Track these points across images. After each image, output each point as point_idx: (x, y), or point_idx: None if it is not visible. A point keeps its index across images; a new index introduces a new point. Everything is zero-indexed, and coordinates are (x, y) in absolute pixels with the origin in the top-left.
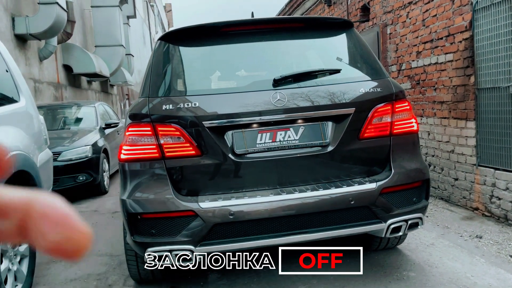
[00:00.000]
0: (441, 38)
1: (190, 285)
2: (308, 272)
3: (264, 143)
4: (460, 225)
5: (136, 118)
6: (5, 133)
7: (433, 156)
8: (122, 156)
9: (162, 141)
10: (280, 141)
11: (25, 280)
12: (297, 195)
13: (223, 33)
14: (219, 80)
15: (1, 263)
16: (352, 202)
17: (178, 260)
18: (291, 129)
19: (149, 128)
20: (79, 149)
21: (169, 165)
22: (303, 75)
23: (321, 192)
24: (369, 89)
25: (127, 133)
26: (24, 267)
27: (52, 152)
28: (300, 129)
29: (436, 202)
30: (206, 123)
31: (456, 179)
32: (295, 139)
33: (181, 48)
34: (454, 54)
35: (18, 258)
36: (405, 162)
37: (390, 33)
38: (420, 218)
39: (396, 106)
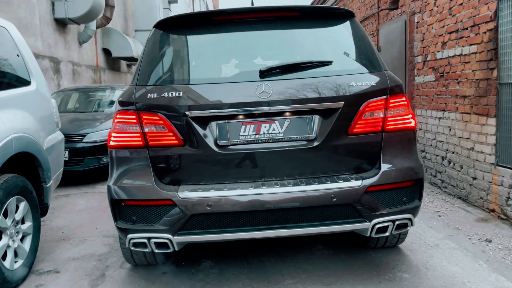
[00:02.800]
0: (466, 28)
1: (182, 271)
2: (300, 265)
3: (248, 135)
4: (472, 227)
5: (123, 105)
6: (9, 116)
7: (453, 152)
8: (111, 143)
9: (146, 130)
10: (264, 133)
11: (27, 256)
12: (277, 189)
13: (215, 21)
14: (207, 70)
15: (0, 240)
16: (334, 199)
17: (157, 248)
18: (276, 122)
19: (134, 116)
20: (104, 131)
21: (152, 154)
22: (291, 66)
23: (303, 188)
24: (361, 83)
25: (115, 120)
26: (27, 245)
27: (79, 134)
28: (286, 122)
29: (453, 201)
30: (189, 113)
31: (475, 178)
32: (279, 132)
33: (172, 36)
34: (478, 46)
35: (20, 236)
36: (397, 160)
37: (417, 22)
38: (410, 219)
39: (391, 101)
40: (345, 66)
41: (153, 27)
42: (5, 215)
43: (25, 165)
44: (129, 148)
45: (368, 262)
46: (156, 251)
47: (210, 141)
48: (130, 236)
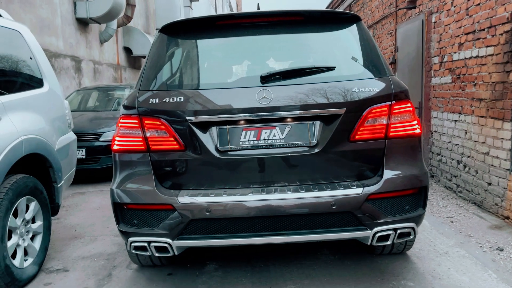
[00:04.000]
0: (483, 30)
1: (186, 273)
2: (304, 270)
3: (248, 140)
4: (484, 234)
5: (126, 110)
6: (21, 118)
7: (468, 157)
8: (114, 147)
9: (148, 134)
10: (264, 139)
11: (37, 255)
12: (276, 195)
13: (219, 26)
14: (209, 75)
15: (10, 239)
16: (334, 207)
17: (157, 251)
18: (276, 127)
19: (136, 121)
20: None
21: (154, 158)
22: (292, 72)
23: (302, 195)
24: (364, 89)
25: (119, 124)
26: (37, 244)
27: (96, 132)
28: (287, 128)
29: (468, 206)
30: (190, 118)
31: (490, 184)
32: (280, 138)
33: (176, 41)
34: (495, 48)
35: (30, 235)
36: (400, 167)
37: (434, 22)
38: (413, 228)
39: (395, 107)
40: (348, 71)
41: (158, 31)
42: (16, 214)
43: (36, 166)
44: (131, 152)
45: (373, 269)
46: (156, 255)
47: (210, 147)
48: (131, 239)
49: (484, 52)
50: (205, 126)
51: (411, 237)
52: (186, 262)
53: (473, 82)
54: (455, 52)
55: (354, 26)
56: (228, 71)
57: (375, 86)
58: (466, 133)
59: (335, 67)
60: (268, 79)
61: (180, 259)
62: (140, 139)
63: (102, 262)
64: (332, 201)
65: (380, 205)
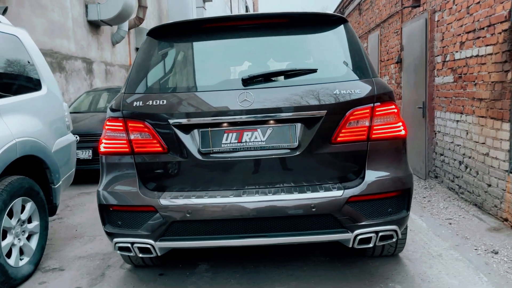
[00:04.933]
0: (483, 28)
1: (177, 274)
2: (293, 271)
3: (230, 143)
4: (482, 237)
5: (112, 112)
6: (16, 121)
7: (469, 157)
8: (101, 149)
9: (132, 137)
10: (246, 141)
11: (33, 254)
12: (256, 197)
13: (205, 29)
14: (192, 78)
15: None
16: (313, 209)
17: (140, 252)
18: (258, 130)
19: (121, 124)
20: None
21: (138, 161)
22: (274, 74)
23: (282, 197)
24: (346, 91)
25: (105, 127)
26: (33, 243)
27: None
28: (268, 130)
29: (469, 208)
30: (172, 121)
31: (489, 185)
32: (262, 141)
33: (162, 44)
34: (494, 47)
35: (26, 235)
36: (383, 170)
37: (437, 20)
38: (395, 231)
39: (377, 109)
40: (331, 73)
41: (146, 35)
42: (11, 215)
43: (33, 167)
44: (116, 155)
45: (363, 271)
46: (140, 255)
47: (193, 149)
48: (115, 240)
49: (484, 51)
50: (187, 129)
51: (394, 239)
52: (178, 263)
53: (474, 81)
54: (457, 51)
55: (340, 28)
56: (212, 74)
57: (357, 88)
58: (467, 133)
59: (317, 69)
60: (249, 81)
61: (173, 260)
62: (125, 141)
63: (98, 262)
64: (312, 204)
65: (361, 208)
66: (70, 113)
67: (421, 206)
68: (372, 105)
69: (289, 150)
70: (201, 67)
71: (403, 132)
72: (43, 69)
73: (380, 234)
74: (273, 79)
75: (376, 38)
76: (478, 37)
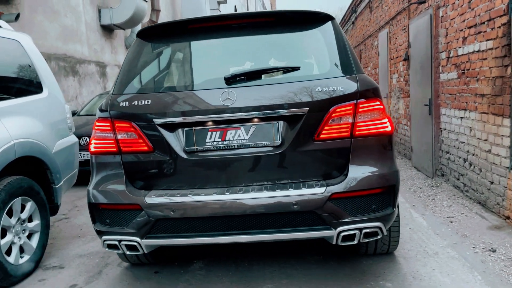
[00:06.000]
0: (483, 23)
1: (172, 272)
2: (286, 270)
3: (214, 141)
4: (481, 235)
5: (101, 113)
6: (15, 123)
7: (473, 154)
8: (91, 149)
9: (119, 137)
10: (229, 140)
11: (34, 252)
12: (239, 195)
13: (191, 30)
14: (177, 78)
15: (4, 237)
16: (295, 206)
17: (128, 250)
18: (241, 128)
19: (108, 124)
20: None
21: (125, 160)
22: (257, 73)
23: (265, 194)
24: (328, 88)
25: (94, 127)
26: (34, 242)
27: None
28: (251, 128)
29: (473, 206)
30: (157, 121)
31: (492, 183)
32: (245, 139)
33: (150, 45)
34: (494, 41)
35: (27, 233)
36: (367, 166)
37: (442, 16)
38: (379, 228)
39: (361, 105)
40: (314, 71)
41: (136, 36)
42: (11, 214)
43: (34, 167)
44: (105, 154)
45: (356, 269)
46: (128, 253)
47: (177, 148)
48: (104, 238)
49: (485, 46)
50: (172, 128)
51: (379, 236)
52: (175, 260)
53: (476, 77)
54: (460, 47)
55: (325, 25)
56: (197, 73)
57: (340, 85)
58: (471, 130)
59: (299, 67)
60: (232, 80)
61: (169, 258)
62: (112, 141)
63: (97, 260)
64: (294, 201)
65: (344, 205)
66: (83, 115)
67: (425, 204)
68: (355, 101)
69: (272, 148)
70: (186, 67)
71: (389, 129)
72: (44, 72)
73: (364, 231)
74: (256, 77)
75: (386, 35)
76: (479, 32)
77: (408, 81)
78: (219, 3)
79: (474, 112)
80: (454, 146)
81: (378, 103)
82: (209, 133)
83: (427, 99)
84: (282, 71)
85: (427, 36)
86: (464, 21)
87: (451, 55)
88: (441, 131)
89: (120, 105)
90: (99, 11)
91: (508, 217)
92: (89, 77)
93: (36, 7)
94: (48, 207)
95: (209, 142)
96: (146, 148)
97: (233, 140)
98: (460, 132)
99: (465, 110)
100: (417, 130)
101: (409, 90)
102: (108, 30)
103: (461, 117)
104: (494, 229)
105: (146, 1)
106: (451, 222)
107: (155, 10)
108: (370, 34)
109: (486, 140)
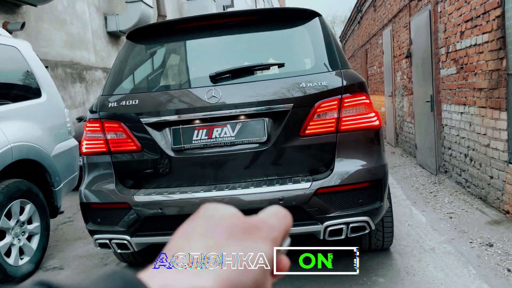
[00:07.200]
0: (479, 16)
1: None
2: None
3: (200, 139)
4: (480, 230)
5: (91, 114)
6: (13, 127)
7: (473, 150)
8: (83, 150)
9: (108, 137)
10: (216, 137)
11: (34, 254)
12: (225, 192)
13: (178, 30)
14: (164, 77)
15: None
16: (281, 202)
17: (118, 248)
18: (227, 125)
19: (98, 125)
20: None
21: (115, 159)
22: (241, 70)
23: (251, 190)
24: (312, 83)
25: (85, 128)
26: (34, 243)
27: None
28: (237, 125)
29: (473, 201)
30: (144, 120)
31: (492, 177)
32: (231, 136)
33: (139, 46)
34: (489, 34)
35: (26, 235)
36: (353, 161)
37: (440, 11)
38: (367, 222)
39: (346, 100)
40: (299, 67)
41: (125, 38)
42: (10, 216)
43: (33, 171)
44: (96, 155)
45: (349, 265)
46: (118, 251)
47: (165, 146)
48: (95, 236)
49: (481, 40)
50: (159, 127)
51: (367, 231)
52: None
53: (474, 71)
54: (458, 42)
55: (311, 22)
56: (183, 72)
57: (325, 80)
58: (470, 125)
59: (284, 63)
60: (217, 78)
61: None
62: (102, 141)
63: (96, 261)
64: (280, 196)
65: (330, 199)
66: None
67: (426, 201)
68: (340, 96)
69: (258, 145)
70: (173, 66)
71: (376, 123)
72: (43, 78)
73: (351, 225)
74: (241, 75)
75: (389, 33)
76: (476, 26)
77: (411, 78)
78: (225, 7)
79: (473, 106)
80: (456, 142)
81: (364, 97)
82: (196, 131)
83: (429, 95)
84: (267, 68)
85: (427, 32)
86: (461, 15)
87: (450, 50)
88: (443, 127)
89: (109, 106)
90: (105, 18)
91: (507, 212)
92: (96, 83)
93: (42, 16)
94: (48, 209)
95: (196, 140)
96: (134, 147)
97: (220, 137)
98: (460, 127)
99: (465, 105)
100: (421, 127)
101: (412, 87)
102: (114, 36)
103: (461, 112)
104: (493, 224)
105: (151, 7)
106: (451, 218)
107: (161, 16)
108: (375, 32)
109: (485, 134)
